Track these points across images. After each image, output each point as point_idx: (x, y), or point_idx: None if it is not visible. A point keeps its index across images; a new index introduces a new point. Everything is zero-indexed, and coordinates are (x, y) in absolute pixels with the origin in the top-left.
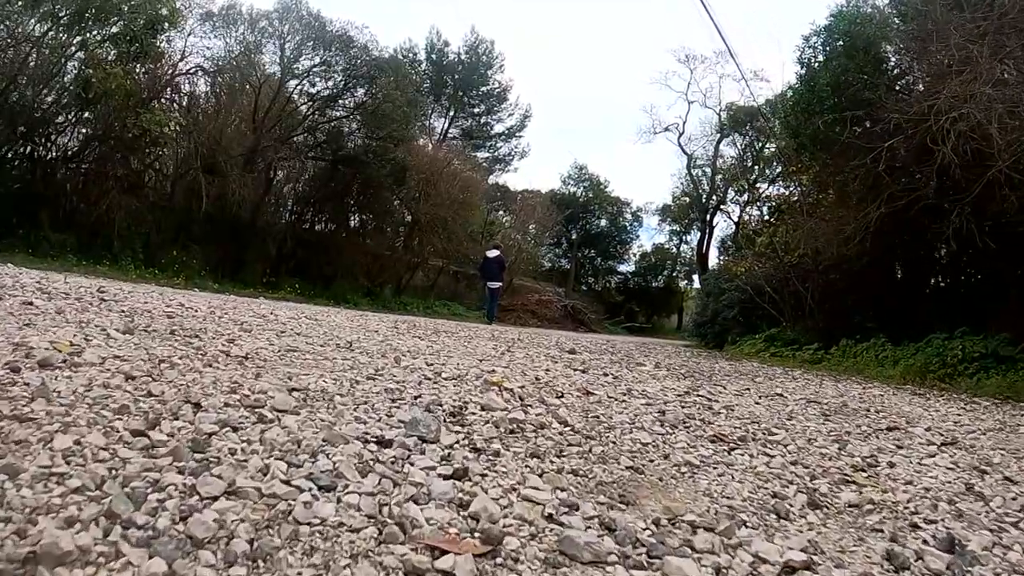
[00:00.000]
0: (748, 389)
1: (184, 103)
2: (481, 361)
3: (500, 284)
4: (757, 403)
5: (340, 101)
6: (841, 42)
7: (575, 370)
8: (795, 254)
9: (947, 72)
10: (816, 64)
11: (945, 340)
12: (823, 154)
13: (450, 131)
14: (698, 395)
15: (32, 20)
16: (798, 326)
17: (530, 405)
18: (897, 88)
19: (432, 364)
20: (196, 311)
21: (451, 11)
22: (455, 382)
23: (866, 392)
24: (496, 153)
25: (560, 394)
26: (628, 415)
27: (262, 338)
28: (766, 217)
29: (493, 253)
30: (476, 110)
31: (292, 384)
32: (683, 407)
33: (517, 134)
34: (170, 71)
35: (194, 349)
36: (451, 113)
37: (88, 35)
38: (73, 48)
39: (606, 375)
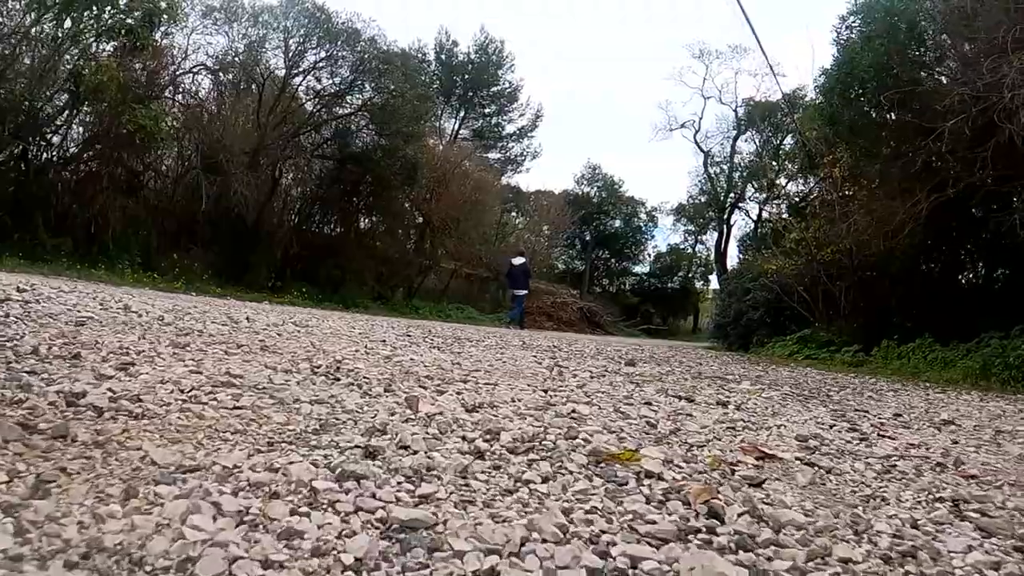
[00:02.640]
0: (900, 415)
1: (186, 102)
2: (546, 392)
3: (526, 292)
4: (955, 441)
5: (347, 98)
6: (881, 20)
7: (679, 398)
8: (828, 250)
9: (1002, 47)
10: (855, 44)
11: (1003, 339)
12: (861, 141)
13: (460, 132)
14: (884, 436)
15: (19, 10)
16: (832, 327)
17: (755, 537)
18: (939, 69)
19: (475, 408)
20: (140, 315)
21: (455, 8)
22: (534, 460)
23: (1002, 410)
24: (508, 154)
25: (749, 476)
26: (927, 534)
27: (189, 360)
28: (784, 215)
29: (519, 260)
30: (487, 110)
31: None
32: (919, 471)
33: (529, 134)
34: (172, 69)
35: (15, 390)
36: (461, 114)
37: (81, 27)
38: (67, 43)
39: (722, 404)
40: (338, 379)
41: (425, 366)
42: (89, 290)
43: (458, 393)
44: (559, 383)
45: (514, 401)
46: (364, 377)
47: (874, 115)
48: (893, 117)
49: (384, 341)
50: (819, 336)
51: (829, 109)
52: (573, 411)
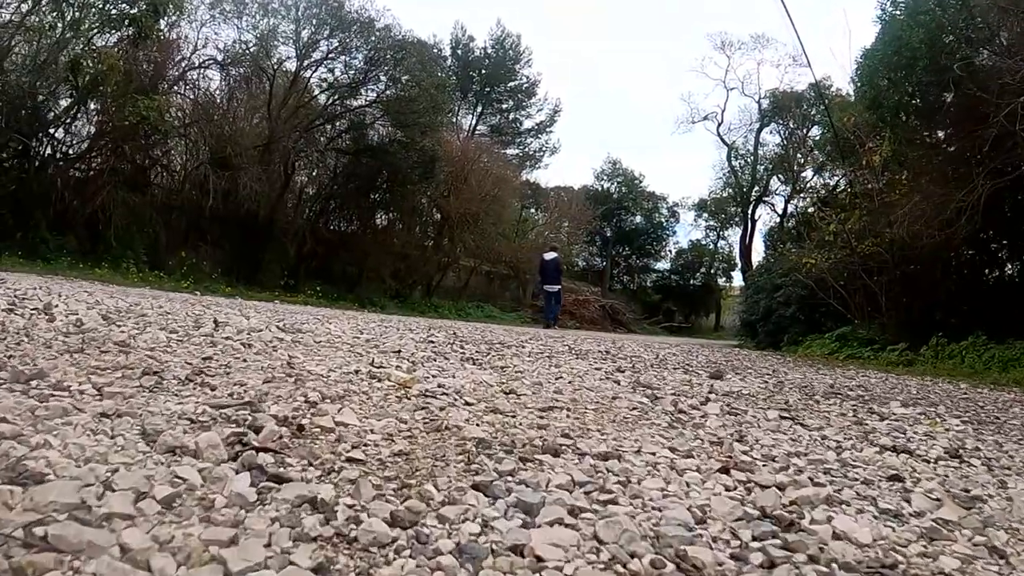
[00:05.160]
0: None
1: (195, 96)
2: (727, 472)
3: (559, 287)
4: None
5: (362, 89)
6: None
7: (892, 450)
8: (866, 243)
9: None
10: (902, 21)
11: None
12: (908, 124)
13: (478, 128)
14: None
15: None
16: (873, 324)
17: None
18: (991, 48)
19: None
20: (52, 319)
21: (469, 2)
22: None
23: None
24: (526, 149)
25: None
26: None
27: None
28: (811, 208)
29: (551, 255)
30: (504, 106)
31: None
32: None
33: (547, 129)
34: (183, 64)
35: None
36: (479, 109)
37: (83, 17)
38: (68, 33)
39: (955, 457)
40: (285, 477)
41: (467, 404)
42: (34, 286)
43: (574, 525)
44: (702, 434)
45: (704, 523)
46: (348, 459)
47: (922, 96)
48: (948, 97)
49: (399, 352)
50: (859, 334)
51: (871, 92)
52: (828, 529)
